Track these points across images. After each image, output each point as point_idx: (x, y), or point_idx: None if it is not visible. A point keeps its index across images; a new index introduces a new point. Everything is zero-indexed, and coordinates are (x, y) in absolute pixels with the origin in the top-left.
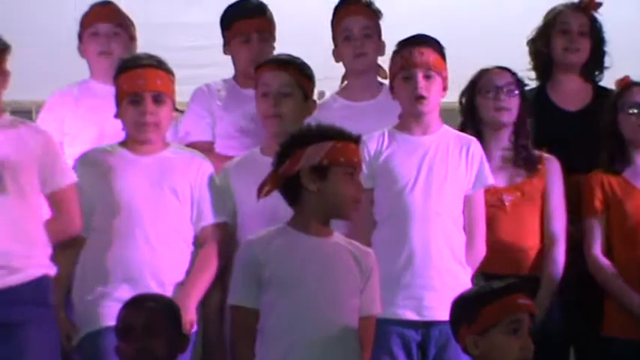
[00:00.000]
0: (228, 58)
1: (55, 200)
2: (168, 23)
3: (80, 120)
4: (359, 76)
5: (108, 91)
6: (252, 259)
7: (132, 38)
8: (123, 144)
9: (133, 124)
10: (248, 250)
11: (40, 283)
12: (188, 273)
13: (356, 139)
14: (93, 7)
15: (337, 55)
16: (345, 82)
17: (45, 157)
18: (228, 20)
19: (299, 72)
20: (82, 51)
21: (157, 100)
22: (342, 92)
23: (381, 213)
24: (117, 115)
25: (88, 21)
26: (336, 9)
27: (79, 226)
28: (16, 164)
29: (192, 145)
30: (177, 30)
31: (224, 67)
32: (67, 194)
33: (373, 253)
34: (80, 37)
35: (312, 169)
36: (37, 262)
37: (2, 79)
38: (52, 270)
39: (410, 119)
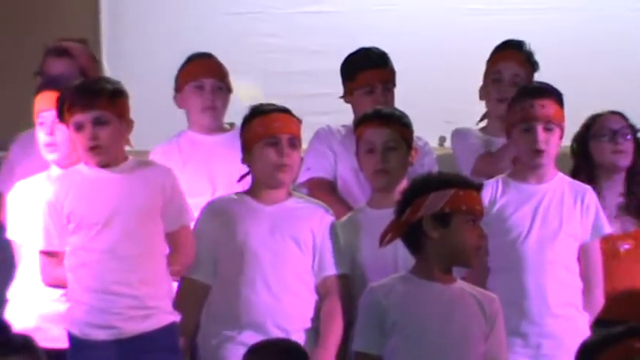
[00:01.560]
0: (348, 105)
1: (176, 238)
2: (287, 72)
3: (189, 172)
4: (499, 119)
5: (210, 141)
6: (376, 306)
7: (230, 90)
8: (248, 192)
9: (270, 166)
10: (371, 297)
11: (170, 329)
12: (312, 322)
13: (478, 187)
14: (195, 60)
15: (483, 94)
16: (486, 120)
17: (170, 195)
18: (351, 70)
19: (401, 125)
20: (180, 101)
21: (291, 143)
22: (484, 129)
23: (495, 261)
24: (244, 160)
25: (191, 74)
26: (497, 49)
27: (190, 260)
28: (144, 207)
29: (312, 181)
30: (297, 78)
31: (343, 115)
32: (188, 232)
33: (497, 299)
34: (179, 87)
35: (434, 217)
36: (165, 309)
37: (126, 125)
38: (177, 317)
39: (526, 169)
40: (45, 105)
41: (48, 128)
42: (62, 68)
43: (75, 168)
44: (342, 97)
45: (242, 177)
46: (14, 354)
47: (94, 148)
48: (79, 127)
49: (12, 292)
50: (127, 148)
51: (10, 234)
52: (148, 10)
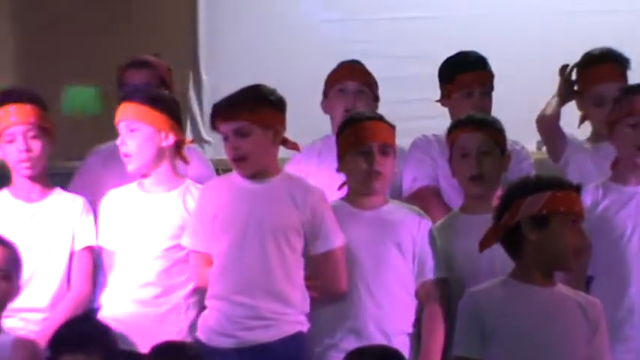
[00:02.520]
0: (443, 110)
1: (320, 262)
2: (382, 78)
3: (323, 175)
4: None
5: None
6: (476, 311)
7: (376, 98)
8: (345, 199)
9: (360, 174)
10: (471, 302)
11: (295, 338)
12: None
13: (576, 188)
14: (341, 65)
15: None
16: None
17: (314, 216)
18: (450, 73)
19: (494, 130)
20: (326, 106)
21: (383, 151)
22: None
23: (597, 263)
24: (339, 169)
25: (335, 78)
26: (591, 62)
27: (344, 287)
28: (282, 223)
29: (420, 191)
30: (392, 84)
31: (439, 120)
32: (335, 256)
33: (600, 304)
34: (326, 93)
35: (533, 219)
36: (290, 319)
37: (273, 135)
38: (305, 326)
39: (627, 169)
40: (118, 116)
41: (122, 139)
42: (144, 79)
43: (229, 176)
44: (438, 100)
45: (342, 185)
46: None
47: (236, 159)
48: (224, 138)
49: (104, 298)
50: None
51: (102, 241)
52: (245, 20)
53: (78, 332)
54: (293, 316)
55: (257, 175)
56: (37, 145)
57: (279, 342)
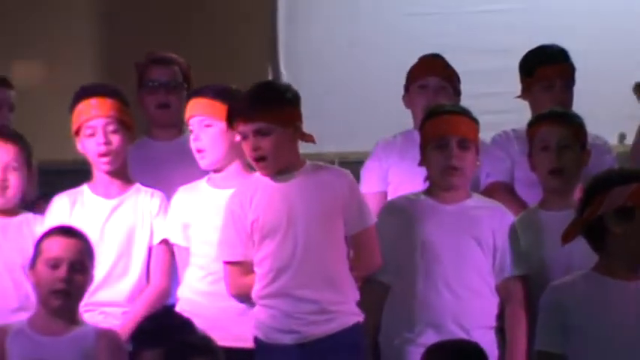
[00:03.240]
0: (524, 104)
1: (358, 241)
2: (464, 71)
3: (406, 169)
4: None
5: None
6: (557, 305)
7: (457, 92)
8: (427, 192)
9: (438, 169)
10: (553, 296)
11: (354, 329)
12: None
13: None
14: (422, 60)
15: None
16: None
17: (349, 197)
18: (531, 65)
19: (574, 124)
20: (407, 101)
21: (462, 145)
22: None
23: None
24: (421, 163)
25: (416, 74)
26: None
27: (380, 262)
28: (323, 211)
29: (491, 186)
30: (474, 77)
31: (519, 114)
32: (371, 234)
33: None
34: (407, 88)
35: (617, 212)
36: (348, 310)
37: (294, 130)
38: (361, 317)
39: None
40: (191, 112)
41: (195, 135)
42: (168, 76)
43: (256, 176)
44: (519, 96)
45: (426, 179)
46: (198, 355)
47: (257, 159)
48: (243, 137)
49: (181, 292)
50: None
51: (174, 238)
52: (325, 13)
53: (159, 327)
54: (350, 307)
55: (282, 171)
56: (116, 139)
57: (340, 334)
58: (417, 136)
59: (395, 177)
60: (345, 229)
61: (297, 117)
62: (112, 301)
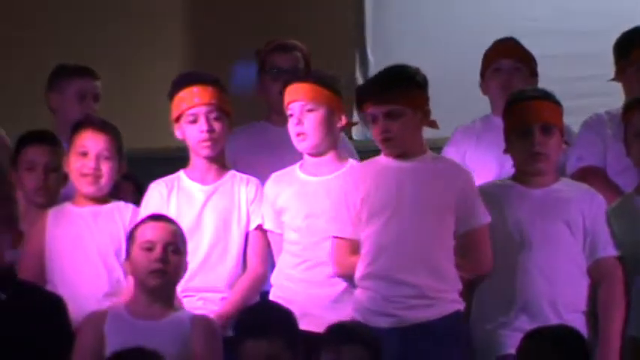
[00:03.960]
0: (615, 87)
1: (468, 239)
2: (555, 55)
3: (481, 154)
4: None
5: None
6: None
7: (533, 74)
8: (515, 178)
9: (523, 156)
10: None
11: (454, 317)
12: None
13: None
14: (495, 44)
15: None
16: None
17: (464, 195)
18: (625, 47)
19: None
20: (484, 87)
21: (545, 131)
22: None
23: None
24: (505, 150)
25: (490, 57)
26: None
27: (490, 266)
28: (433, 201)
29: (582, 170)
30: (567, 60)
31: (610, 97)
32: (482, 234)
33: None
34: (482, 74)
35: None
36: (449, 297)
37: (422, 116)
38: (462, 305)
39: None
40: (293, 96)
41: (296, 119)
42: (291, 62)
43: (373, 159)
44: (612, 79)
45: (514, 163)
46: (274, 334)
47: (386, 140)
48: (373, 120)
49: (275, 279)
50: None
51: (268, 224)
52: None
53: (261, 319)
54: (451, 295)
55: (405, 154)
56: (218, 126)
57: (440, 321)
58: (495, 121)
59: (470, 162)
60: (456, 225)
61: (426, 102)
62: (210, 286)
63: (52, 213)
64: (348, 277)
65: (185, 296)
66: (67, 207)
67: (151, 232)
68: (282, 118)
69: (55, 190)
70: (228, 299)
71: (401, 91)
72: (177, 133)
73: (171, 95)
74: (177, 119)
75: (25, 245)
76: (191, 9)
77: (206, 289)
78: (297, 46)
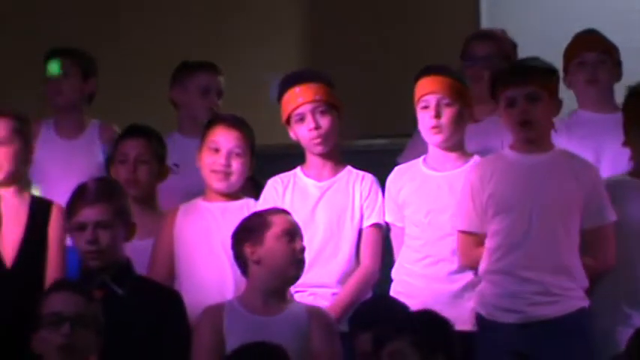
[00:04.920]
0: None
1: (594, 236)
2: None
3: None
4: None
5: (600, 119)
6: None
7: (616, 64)
8: (632, 173)
9: None
10: None
11: (579, 314)
12: None
13: None
14: (577, 37)
15: None
16: None
17: (593, 192)
18: None
19: None
20: (568, 82)
21: None
22: None
23: None
24: (624, 143)
25: (573, 51)
26: None
27: (613, 262)
28: (563, 198)
29: None
30: None
31: None
32: (607, 231)
33: None
34: (566, 68)
35: None
36: (575, 295)
37: (555, 106)
38: (586, 302)
39: None
40: (428, 89)
41: (433, 111)
42: (487, 51)
43: (500, 153)
44: None
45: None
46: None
47: (524, 123)
48: (510, 103)
49: (394, 274)
50: None
51: (389, 217)
52: None
53: (374, 312)
54: (576, 292)
55: (536, 142)
56: (325, 122)
57: (564, 318)
58: (583, 116)
59: None
60: (582, 221)
61: (557, 92)
62: (321, 282)
63: (182, 208)
64: (475, 270)
65: (296, 291)
66: (198, 202)
67: (289, 223)
68: (483, 109)
69: (148, 182)
70: (340, 295)
71: (542, 75)
72: (291, 135)
73: (279, 98)
74: (288, 121)
75: (156, 240)
76: (310, 6)
77: (317, 285)
78: (496, 35)
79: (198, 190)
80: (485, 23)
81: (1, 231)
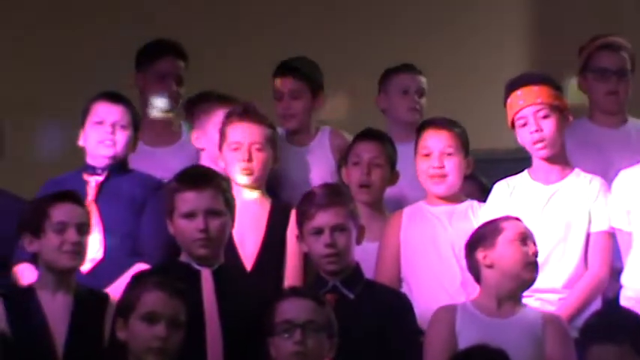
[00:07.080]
0: None
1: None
2: None
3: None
4: None
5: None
6: None
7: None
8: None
9: None
10: None
11: None
12: None
13: None
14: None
15: None
16: None
17: None
18: None
19: None
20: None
21: None
22: None
23: None
24: None
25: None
26: None
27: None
28: None
29: None
30: None
31: None
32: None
33: None
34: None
35: None
36: None
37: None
38: None
39: None
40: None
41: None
42: (615, 62)
43: None
44: None
45: None
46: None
47: None
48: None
49: (625, 280)
50: None
51: (616, 222)
52: None
53: (607, 323)
54: None
55: None
56: (547, 125)
57: None
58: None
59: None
60: None
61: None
62: (549, 287)
63: (406, 211)
64: None
65: (524, 296)
66: (422, 206)
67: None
68: (607, 118)
69: (380, 186)
70: (568, 300)
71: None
72: (519, 139)
73: (504, 102)
74: (512, 125)
75: (382, 243)
76: (539, 8)
77: (544, 290)
78: (623, 45)
79: None
80: None
81: (243, 235)
